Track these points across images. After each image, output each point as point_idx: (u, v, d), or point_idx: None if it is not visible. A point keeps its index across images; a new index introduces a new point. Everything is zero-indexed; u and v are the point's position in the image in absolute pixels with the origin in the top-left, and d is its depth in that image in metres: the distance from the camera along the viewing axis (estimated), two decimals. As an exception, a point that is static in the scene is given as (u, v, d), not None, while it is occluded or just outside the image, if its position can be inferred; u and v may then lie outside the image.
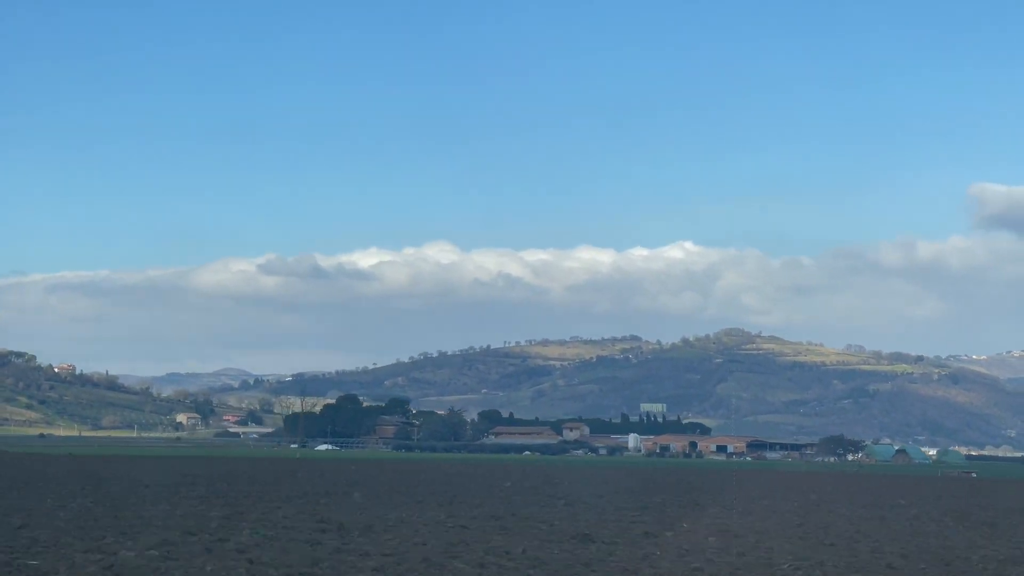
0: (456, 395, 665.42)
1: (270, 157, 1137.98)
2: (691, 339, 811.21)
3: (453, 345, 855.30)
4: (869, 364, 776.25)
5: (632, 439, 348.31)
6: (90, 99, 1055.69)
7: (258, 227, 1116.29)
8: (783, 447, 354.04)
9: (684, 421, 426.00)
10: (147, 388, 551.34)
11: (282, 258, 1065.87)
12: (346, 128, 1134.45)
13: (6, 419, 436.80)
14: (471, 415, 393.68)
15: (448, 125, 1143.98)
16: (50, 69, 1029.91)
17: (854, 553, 39.15)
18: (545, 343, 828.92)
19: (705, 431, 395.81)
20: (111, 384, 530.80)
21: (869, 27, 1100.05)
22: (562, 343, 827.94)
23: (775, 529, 48.74)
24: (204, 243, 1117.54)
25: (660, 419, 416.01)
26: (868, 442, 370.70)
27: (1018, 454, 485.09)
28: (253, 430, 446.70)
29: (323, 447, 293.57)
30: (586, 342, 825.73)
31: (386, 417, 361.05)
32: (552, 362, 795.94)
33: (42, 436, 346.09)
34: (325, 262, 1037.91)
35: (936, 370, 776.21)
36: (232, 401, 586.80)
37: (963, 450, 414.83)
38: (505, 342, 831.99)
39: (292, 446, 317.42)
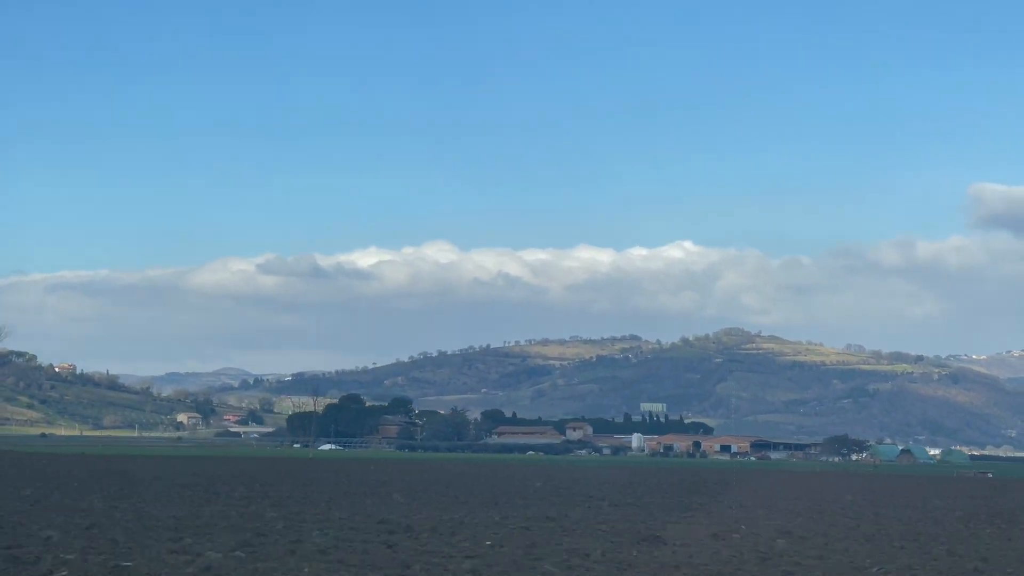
0: (456, 395, 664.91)
1: (269, 157, 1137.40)
2: (691, 339, 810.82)
3: (452, 345, 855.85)
4: (869, 364, 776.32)
5: (635, 439, 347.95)
6: (89, 98, 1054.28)
7: (257, 227, 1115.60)
8: (787, 447, 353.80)
9: (685, 421, 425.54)
10: (147, 388, 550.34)
11: (281, 258, 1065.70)
12: (345, 128, 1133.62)
13: (7, 419, 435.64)
14: (473, 415, 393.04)
15: (447, 125, 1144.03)
16: (49, 68, 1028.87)
17: (932, 556, 38.98)
18: (545, 343, 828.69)
19: (708, 431, 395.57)
20: (112, 384, 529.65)
21: (869, 27, 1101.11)
22: (562, 343, 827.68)
23: (835, 531, 48.52)
24: (203, 243, 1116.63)
25: (662, 419, 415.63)
26: (872, 442, 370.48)
27: (1019, 454, 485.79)
28: (253, 430, 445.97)
29: (327, 447, 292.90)
30: (586, 342, 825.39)
31: (389, 417, 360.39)
32: (552, 362, 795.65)
33: (43, 436, 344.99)
34: (324, 262, 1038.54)
35: (936, 370, 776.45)
36: (232, 401, 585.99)
37: (966, 450, 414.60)
38: (505, 342, 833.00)
39: (295, 445, 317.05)
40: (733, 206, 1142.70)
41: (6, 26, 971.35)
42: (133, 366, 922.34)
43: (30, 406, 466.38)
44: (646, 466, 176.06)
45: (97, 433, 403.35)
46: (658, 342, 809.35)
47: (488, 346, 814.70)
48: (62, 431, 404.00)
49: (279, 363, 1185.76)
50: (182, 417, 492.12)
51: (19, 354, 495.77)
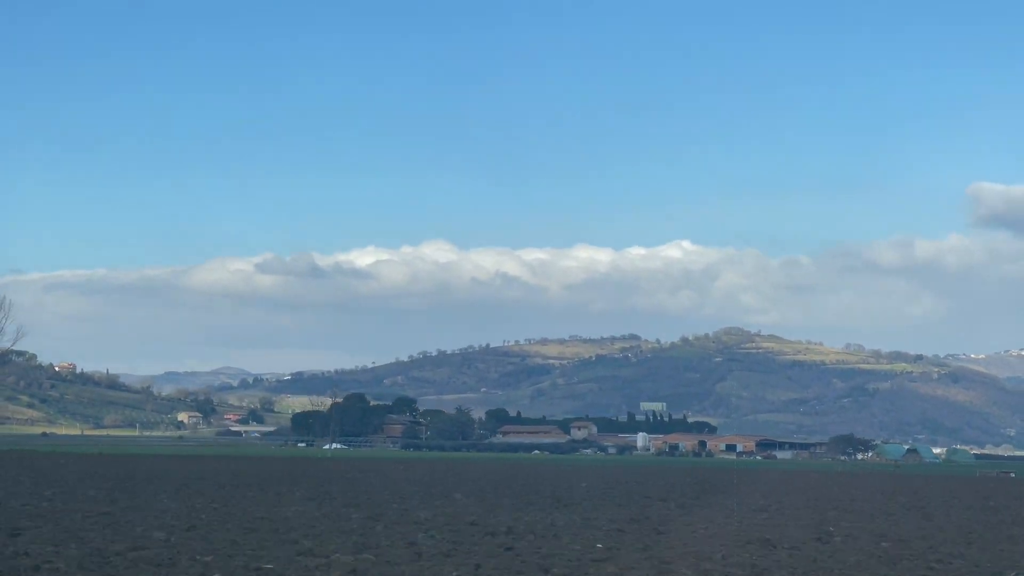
0: (455, 394, 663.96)
1: (267, 156, 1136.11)
2: (690, 338, 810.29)
3: (451, 344, 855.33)
4: (868, 363, 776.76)
5: (641, 438, 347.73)
6: (87, 98, 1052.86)
7: (255, 226, 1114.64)
8: (792, 446, 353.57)
9: (688, 420, 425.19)
10: (148, 387, 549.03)
11: (279, 257, 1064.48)
12: (343, 127, 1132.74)
13: (7, 418, 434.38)
14: (478, 414, 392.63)
15: (445, 124, 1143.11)
16: (47, 68, 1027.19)
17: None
18: (544, 342, 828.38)
19: (712, 430, 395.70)
20: (112, 383, 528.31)
21: (868, 26, 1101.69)
22: (561, 342, 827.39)
23: (932, 534, 48.01)
24: (201, 242, 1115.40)
25: (666, 418, 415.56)
26: (879, 441, 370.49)
27: (1019, 453, 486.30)
28: (254, 429, 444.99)
29: (332, 446, 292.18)
30: (585, 341, 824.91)
31: (393, 416, 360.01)
32: (551, 361, 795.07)
33: (45, 435, 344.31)
34: (322, 261, 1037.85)
35: (935, 369, 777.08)
36: (232, 400, 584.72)
37: (970, 449, 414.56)
38: (504, 341, 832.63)
39: (300, 445, 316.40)
40: (731, 205, 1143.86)
41: (5, 26, 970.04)
42: (131, 365, 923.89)
43: (31, 405, 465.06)
44: (658, 465, 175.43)
45: (98, 432, 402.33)
46: (657, 341, 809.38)
47: (487, 345, 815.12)
48: (63, 430, 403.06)
49: (278, 362, 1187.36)
50: (183, 416, 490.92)
51: (19, 353, 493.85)
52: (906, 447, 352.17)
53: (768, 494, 79.94)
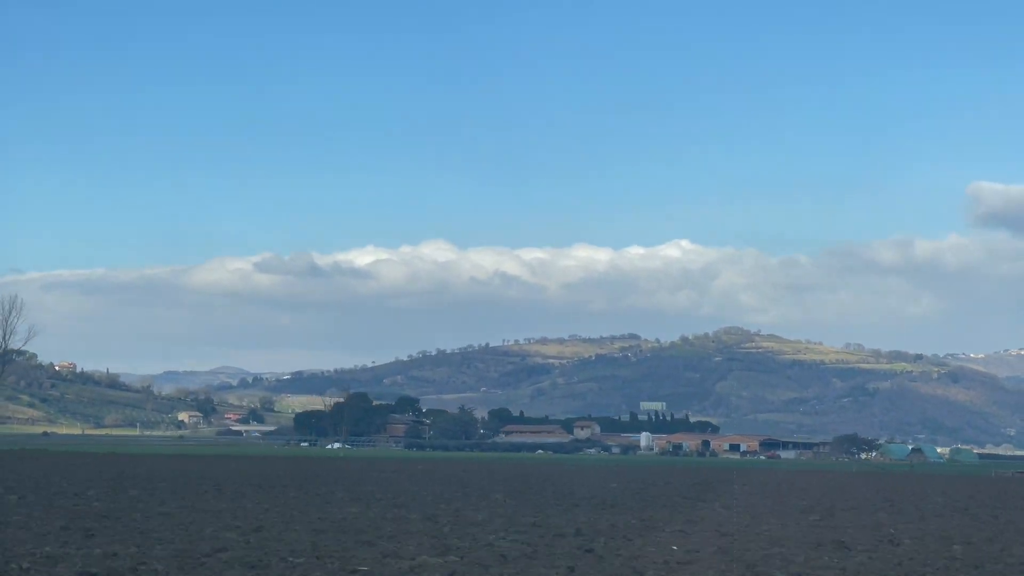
0: (455, 393, 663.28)
1: (266, 155, 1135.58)
2: (690, 337, 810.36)
3: (450, 343, 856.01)
4: (868, 363, 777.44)
5: (644, 438, 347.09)
6: (87, 97, 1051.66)
7: (254, 226, 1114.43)
8: (795, 446, 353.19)
9: (691, 420, 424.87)
10: (148, 386, 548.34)
11: (278, 256, 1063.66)
12: (343, 127, 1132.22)
13: (8, 417, 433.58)
14: (480, 414, 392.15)
15: (444, 124, 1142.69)
16: (46, 66, 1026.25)
17: None
18: (544, 341, 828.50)
19: (715, 430, 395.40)
20: (112, 382, 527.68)
21: (868, 26, 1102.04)
22: (561, 341, 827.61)
23: (995, 536, 47.60)
24: (200, 242, 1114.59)
25: (668, 417, 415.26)
26: (883, 441, 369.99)
27: (1019, 452, 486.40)
28: (255, 428, 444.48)
29: (335, 446, 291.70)
30: (585, 340, 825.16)
31: (396, 415, 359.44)
32: (551, 360, 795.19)
33: (46, 434, 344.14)
34: (321, 260, 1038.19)
35: (935, 368, 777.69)
36: (232, 399, 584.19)
37: (972, 449, 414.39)
38: (504, 340, 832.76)
39: (303, 444, 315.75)
40: (731, 205, 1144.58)
41: (5, 26, 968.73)
42: (130, 365, 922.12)
43: (31, 405, 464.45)
44: (666, 465, 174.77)
45: (99, 432, 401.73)
46: (657, 341, 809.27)
47: (487, 345, 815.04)
48: (63, 430, 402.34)
49: (277, 362, 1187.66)
50: (183, 416, 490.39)
51: (20, 353, 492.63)
52: (910, 447, 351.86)
53: (808, 494, 79.54)
